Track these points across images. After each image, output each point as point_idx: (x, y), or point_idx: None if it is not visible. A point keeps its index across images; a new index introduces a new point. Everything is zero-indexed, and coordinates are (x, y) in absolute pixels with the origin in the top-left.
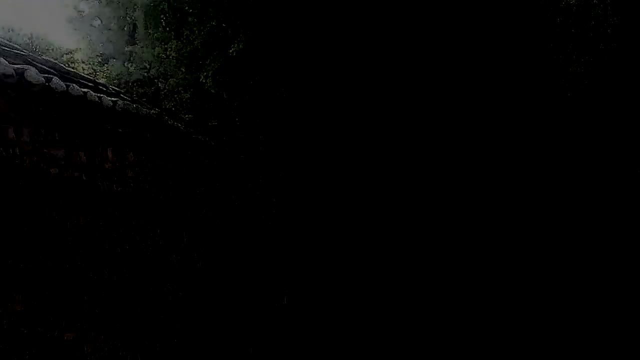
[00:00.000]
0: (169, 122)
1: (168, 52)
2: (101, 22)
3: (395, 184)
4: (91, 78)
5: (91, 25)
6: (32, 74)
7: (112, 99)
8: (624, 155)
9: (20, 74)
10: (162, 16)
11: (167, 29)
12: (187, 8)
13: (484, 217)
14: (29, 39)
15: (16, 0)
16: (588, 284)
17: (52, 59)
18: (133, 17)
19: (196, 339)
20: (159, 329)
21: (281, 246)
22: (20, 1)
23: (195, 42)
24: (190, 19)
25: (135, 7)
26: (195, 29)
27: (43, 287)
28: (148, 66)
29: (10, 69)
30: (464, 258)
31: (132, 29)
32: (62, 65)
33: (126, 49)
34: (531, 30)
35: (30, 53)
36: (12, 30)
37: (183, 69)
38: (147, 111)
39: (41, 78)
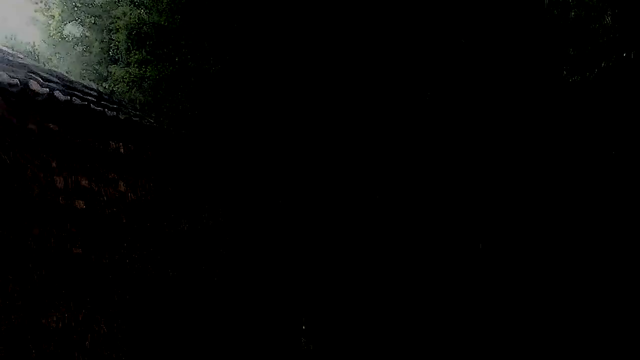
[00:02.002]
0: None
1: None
2: (84, 47)
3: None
4: (95, 88)
5: (74, 48)
6: (35, 83)
7: (115, 106)
8: (624, 156)
9: (25, 83)
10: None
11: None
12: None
13: (483, 218)
14: (31, 47)
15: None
16: (588, 284)
17: (55, 69)
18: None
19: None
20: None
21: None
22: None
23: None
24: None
25: (118, 29)
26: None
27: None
28: (128, 86)
29: (14, 78)
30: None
31: (114, 51)
32: (65, 75)
33: (106, 69)
34: (533, 32)
35: (33, 62)
36: (15, 38)
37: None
38: (149, 121)
39: (45, 88)
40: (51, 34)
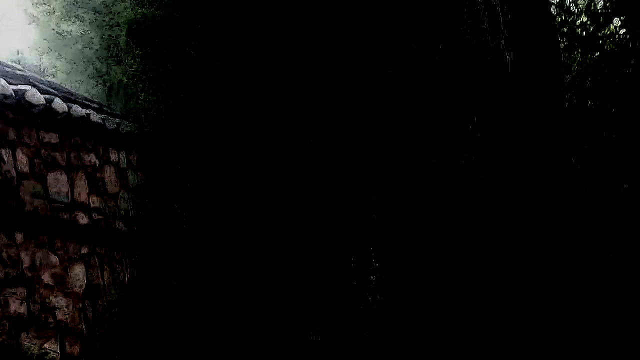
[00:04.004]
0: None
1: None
2: (84, 43)
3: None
4: (95, 100)
5: (74, 44)
6: (32, 94)
7: (116, 120)
8: (624, 156)
9: (21, 94)
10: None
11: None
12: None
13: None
14: (37, 61)
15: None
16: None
17: (55, 81)
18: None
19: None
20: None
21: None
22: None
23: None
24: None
25: (119, 26)
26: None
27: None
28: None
29: (9, 89)
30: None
31: (115, 47)
32: (64, 87)
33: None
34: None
35: (34, 74)
36: (21, 53)
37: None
38: (150, 131)
39: (42, 99)
40: (52, 29)
